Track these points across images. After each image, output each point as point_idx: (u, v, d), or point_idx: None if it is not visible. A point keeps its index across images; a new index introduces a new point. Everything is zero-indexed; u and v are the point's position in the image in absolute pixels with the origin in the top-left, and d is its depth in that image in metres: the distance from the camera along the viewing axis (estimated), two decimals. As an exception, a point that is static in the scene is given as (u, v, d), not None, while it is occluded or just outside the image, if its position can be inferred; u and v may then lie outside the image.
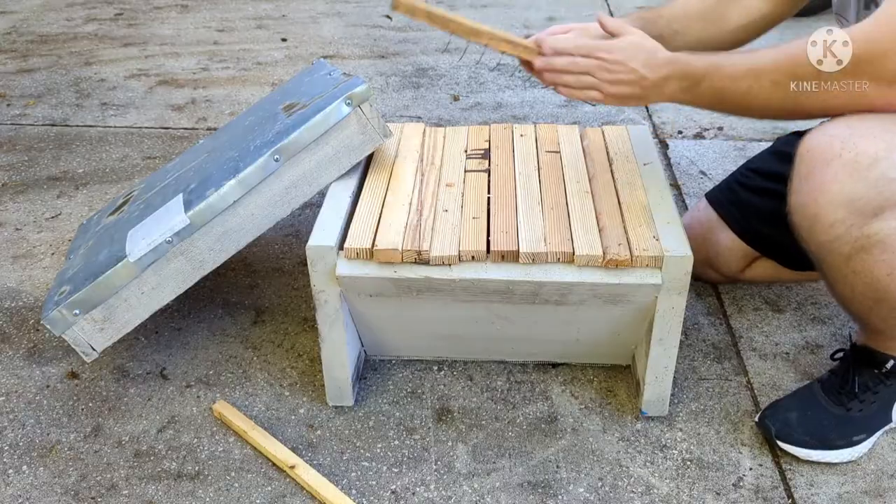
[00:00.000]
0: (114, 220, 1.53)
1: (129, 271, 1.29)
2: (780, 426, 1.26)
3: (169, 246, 1.30)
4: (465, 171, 1.42)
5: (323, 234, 1.25)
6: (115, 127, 2.32)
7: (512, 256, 1.23)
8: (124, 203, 1.60)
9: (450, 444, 1.31)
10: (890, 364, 1.25)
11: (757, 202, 1.51)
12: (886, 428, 1.30)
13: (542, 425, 1.34)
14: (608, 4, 3.26)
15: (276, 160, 1.30)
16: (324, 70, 1.56)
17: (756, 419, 1.31)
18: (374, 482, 1.24)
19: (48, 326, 1.30)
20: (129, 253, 1.29)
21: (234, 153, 1.40)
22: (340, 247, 1.25)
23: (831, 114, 1.14)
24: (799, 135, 1.59)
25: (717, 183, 1.65)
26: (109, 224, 1.53)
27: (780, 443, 1.26)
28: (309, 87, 1.50)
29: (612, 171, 1.40)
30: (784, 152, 1.56)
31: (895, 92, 1.08)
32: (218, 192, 1.29)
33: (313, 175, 1.34)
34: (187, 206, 1.31)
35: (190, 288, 1.34)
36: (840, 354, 1.33)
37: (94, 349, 1.33)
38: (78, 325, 1.30)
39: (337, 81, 1.42)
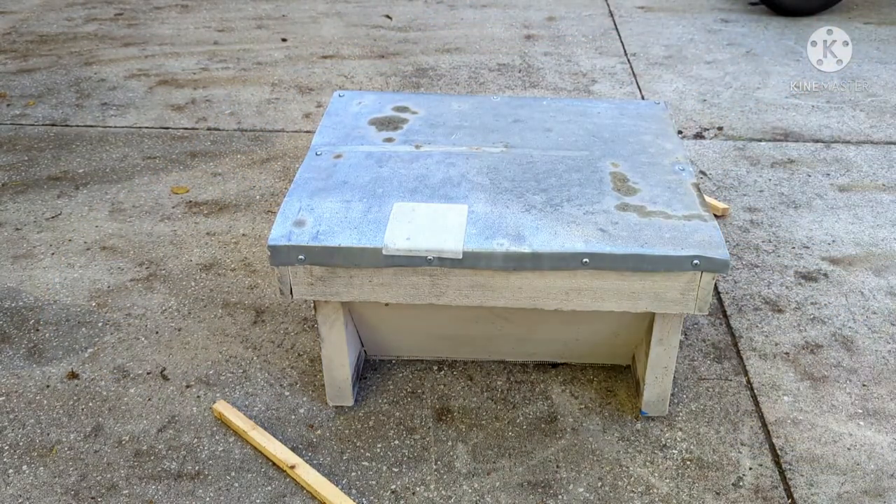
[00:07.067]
0: (384, 156, 1.38)
1: (373, 258, 1.21)
2: None
3: (426, 263, 1.20)
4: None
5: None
6: (115, 127, 2.32)
7: (512, 256, 1.22)
8: (397, 127, 1.47)
9: (450, 443, 1.31)
10: None
11: None
12: None
13: (542, 425, 1.34)
14: (608, 4, 3.26)
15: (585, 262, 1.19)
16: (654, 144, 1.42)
17: None
18: (374, 482, 1.24)
19: (269, 252, 1.21)
20: (386, 244, 1.20)
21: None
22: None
23: None
24: None
25: (716, 182, 1.63)
26: (380, 157, 1.38)
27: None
28: (636, 147, 1.37)
29: (612, 171, 1.40)
30: None
31: None
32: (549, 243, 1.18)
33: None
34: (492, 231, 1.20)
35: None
36: None
37: (291, 294, 1.25)
38: (295, 267, 1.22)
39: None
